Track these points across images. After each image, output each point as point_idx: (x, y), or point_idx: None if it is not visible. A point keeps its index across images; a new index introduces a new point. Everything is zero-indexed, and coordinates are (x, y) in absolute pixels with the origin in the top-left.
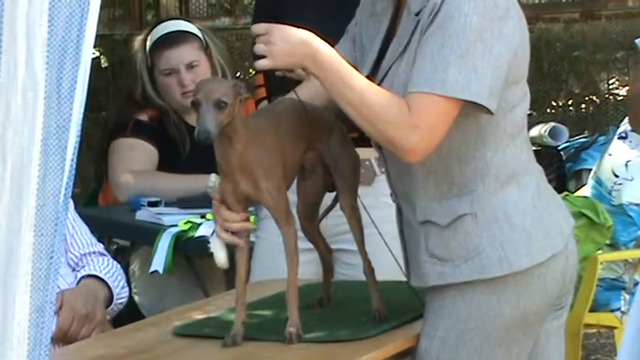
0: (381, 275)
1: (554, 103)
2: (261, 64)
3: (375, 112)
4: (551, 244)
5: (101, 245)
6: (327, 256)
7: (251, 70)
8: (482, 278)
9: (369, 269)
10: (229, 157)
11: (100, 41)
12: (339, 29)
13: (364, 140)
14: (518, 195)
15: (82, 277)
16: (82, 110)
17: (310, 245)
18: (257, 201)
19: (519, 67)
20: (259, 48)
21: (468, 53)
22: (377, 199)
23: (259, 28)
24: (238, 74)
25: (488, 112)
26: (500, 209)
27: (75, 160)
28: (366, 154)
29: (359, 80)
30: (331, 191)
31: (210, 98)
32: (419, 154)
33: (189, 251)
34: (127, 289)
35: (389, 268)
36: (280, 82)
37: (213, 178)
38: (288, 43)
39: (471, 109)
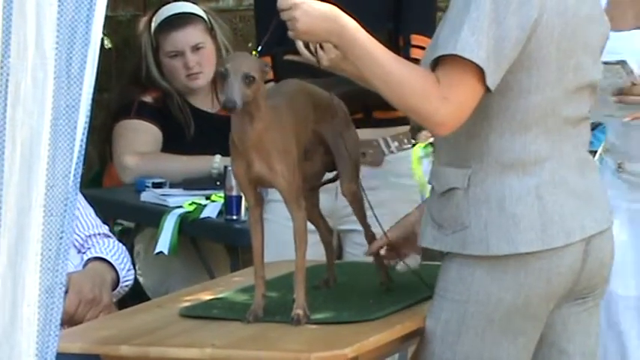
0: None
1: None
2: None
3: (402, 85)
4: (546, 238)
5: (106, 227)
6: (328, 237)
7: (254, 52)
8: (463, 253)
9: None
10: (247, 136)
11: (104, 22)
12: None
13: (370, 121)
14: (518, 181)
15: (89, 259)
16: (92, 90)
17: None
18: (270, 183)
19: (541, 51)
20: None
21: (479, 18)
22: (387, 180)
23: (284, 3)
24: None
25: (489, 88)
26: (494, 191)
27: (85, 140)
28: (373, 134)
29: (385, 54)
30: (330, 171)
31: (238, 71)
32: (449, 126)
33: (194, 232)
34: (132, 271)
35: None
36: (289, 65)
37: (217, 160)
38: (312, 18)
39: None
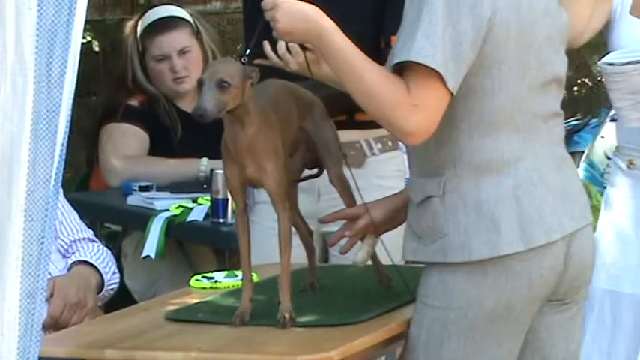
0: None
1: None
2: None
3: (374, 92)
4: (526, 238)
5: (91, 231)
6: (308, 238)
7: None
8: (445, 261)
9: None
10: (239, 140)
11: (91, 26)
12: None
13: (353, 123)
14: (493, 184)
15: (74, 263)
16: (72, 95)
17: None
18: (260, 184)
19: (499, 50)
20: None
21: (432, 22)
22: (369, 181)
23: (267, 3)
24: None
25: (451, 92)
26: (470, 195)
27: (65, 145)
28: (355, 136)
29: (361, 60)
30: (310, 169)
31: (213, 77)
32: (420, 135)
33: (181, 236)
34: (117, 274)
35: (382, 253)
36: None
37: (204, 163)
38: (292, 19)
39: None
